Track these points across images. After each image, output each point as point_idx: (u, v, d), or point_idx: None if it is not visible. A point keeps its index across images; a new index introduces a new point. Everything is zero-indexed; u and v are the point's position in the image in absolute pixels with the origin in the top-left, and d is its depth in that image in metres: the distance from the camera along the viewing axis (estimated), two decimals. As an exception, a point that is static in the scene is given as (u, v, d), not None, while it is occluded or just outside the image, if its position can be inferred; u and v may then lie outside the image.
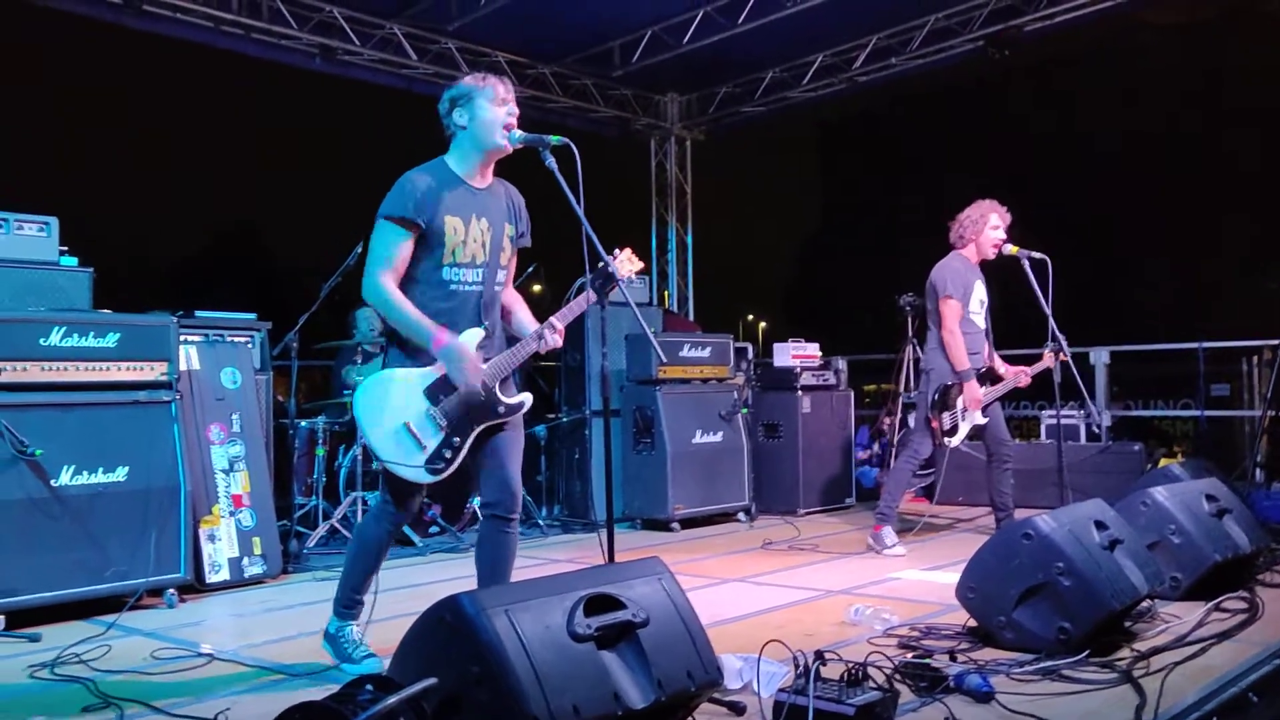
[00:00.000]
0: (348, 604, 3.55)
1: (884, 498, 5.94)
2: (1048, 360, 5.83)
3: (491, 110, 3.36)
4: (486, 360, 3.40)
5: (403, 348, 3.39)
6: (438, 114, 3.46)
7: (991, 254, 5.87)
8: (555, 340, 3.45)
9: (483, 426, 3.42)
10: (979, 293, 5.92)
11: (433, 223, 3.32)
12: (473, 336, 3.37)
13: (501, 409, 3.44)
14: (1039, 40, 8.69)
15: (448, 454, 3.36)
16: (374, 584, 3.59)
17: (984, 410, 5.82)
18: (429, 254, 3.34)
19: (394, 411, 3.33)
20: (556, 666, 2.33)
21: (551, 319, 3.46)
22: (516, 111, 3.41)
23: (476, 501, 6.63)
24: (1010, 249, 5.81)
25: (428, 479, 3.36)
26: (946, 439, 5.79)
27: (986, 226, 5.85)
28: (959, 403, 5.78)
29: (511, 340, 3.55)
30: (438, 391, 3.36)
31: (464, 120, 3.38)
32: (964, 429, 5.83)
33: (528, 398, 3.54)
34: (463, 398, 3.35)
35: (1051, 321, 5.56)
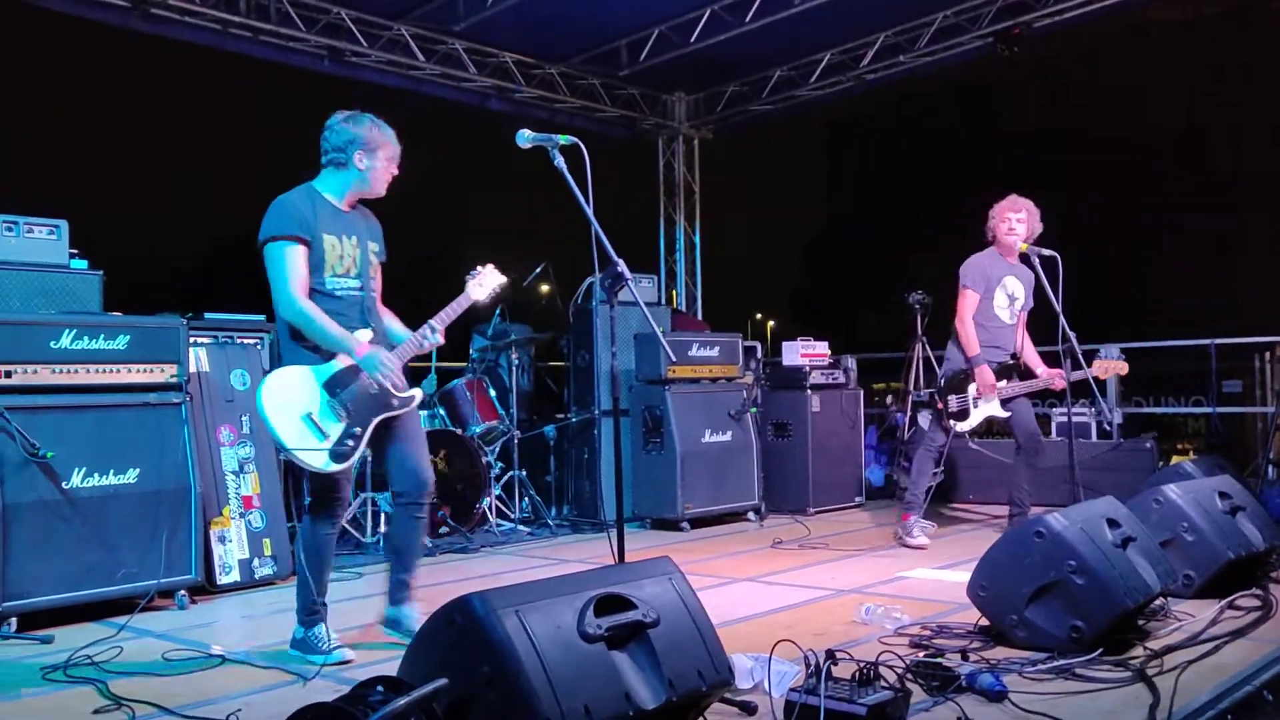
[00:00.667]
0: (311, 611, 3.73)
1: (910, 486, 6.11)
2: (1096, 370, 5.81)
3: (388, 168, 3.80)
4: None
5: (300, 345, 3.67)
6: (327, 139, 3.76)
7: (1013, 245, 5.88)
8: (438, 340, 3.84)
9: (380, 417, 3.73)
10: (1009, 287, 6.01)
11: (315, 238, 3.66)
12: (364, 335, 3.73)
13: (396, 401, 3.77)
14: (1048, 37, 8.65)
15: (350, 442, 3.65)
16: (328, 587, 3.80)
17: (1008, 404, 5.90)
18: (315, 268, 3.68)
19: (296, 404, 3.59)
20: (567, 667, 2.33)
21: (432, 320, 3.82)
22: (396, 171, 3.85)
23: (486, 502, 6.64)
24: (1020, 246, 5.81)
25: (333, 466, 3.61)
26: (953, 420, 5.93)
27: (998, 221, 6.00)
28: (970, 389, 5.89)
29: (387, 343, 3.87)
30: (336, 385, 3.66)
31: (364, 165, 3.75)
32: (976, 416, 5.91)
33: (418, 392, 3.88)
34: (360, 390, 3.67)
35: (1062, 319, 5.53)
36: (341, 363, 3.65)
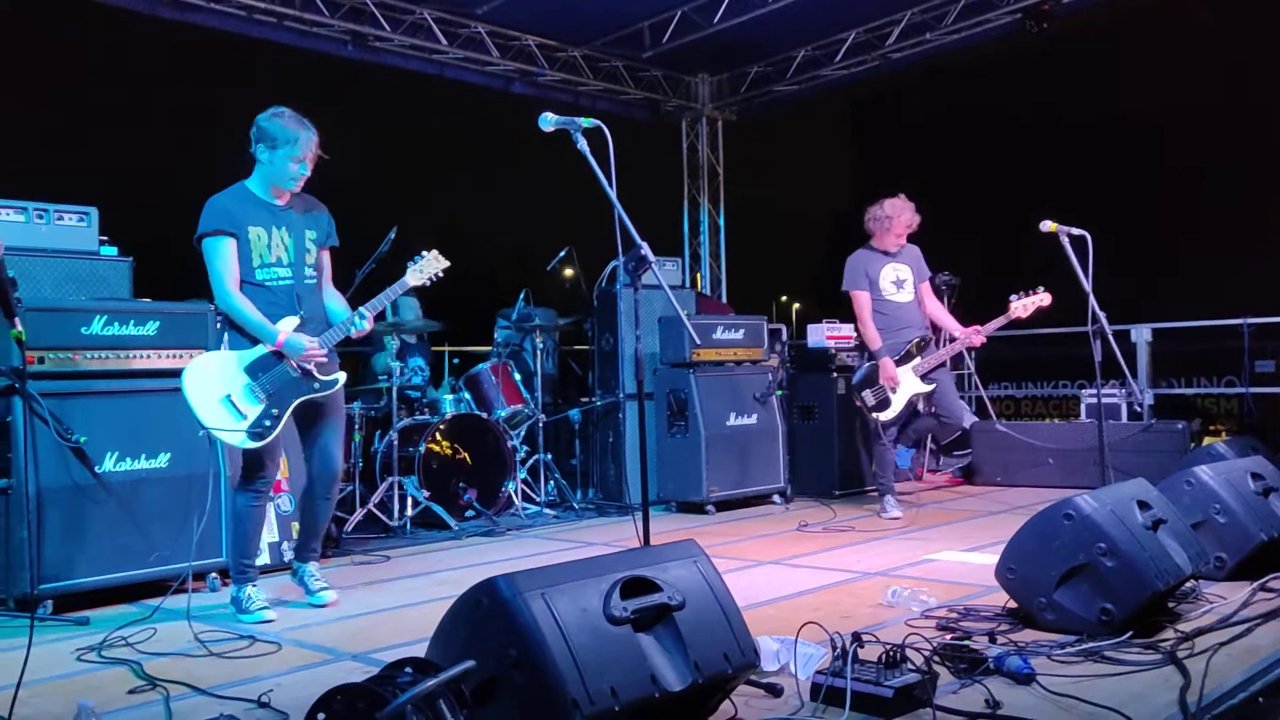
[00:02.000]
0: (240, 570, 4.11)
1: (878, 476, 6.55)
2: (1014, 310, 6.06)
3: (287, 164, 3.98)
4: None
5: (240, 333, 3.99)
6: (250, 134, 4.03)
7: (894, 243, 6.45)
8: (364, 327, 4.04)
9: (300, 400, 4.00)
10: (890, 274, 6.44)
11: (241, 232, 3.96)
12: (289, 322, 3.97)
13: (317, 385, 4.03)
14: (1077, 13, 8.54)
15: (267, 422, 3.93)
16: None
17: (927, 377, 6.27)
18: (244, 259, 3.98)
19: (218, 385, 3.90)
20: (593, 649, 2.33)
21: (361, 308, 4.04)
22: (308, 173, 4.04)
23: (511, 486, 6.67)
24: (1049, 225, 5.75)
25: (250, 444, 3.91)
26: (875, 414, 6.29)
27: (886, 223, 6.42)
28: (880, 380, 6.28)
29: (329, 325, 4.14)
30: (258, 369, 3.94)
31: (264, 158, 4.01)
32: (898, 402, 6.26)
33: (342, 376, 4.14)
34: (280, 374, 3.94)
35: (1092, 299, 5.48)
36: (265, 348, 3.94)
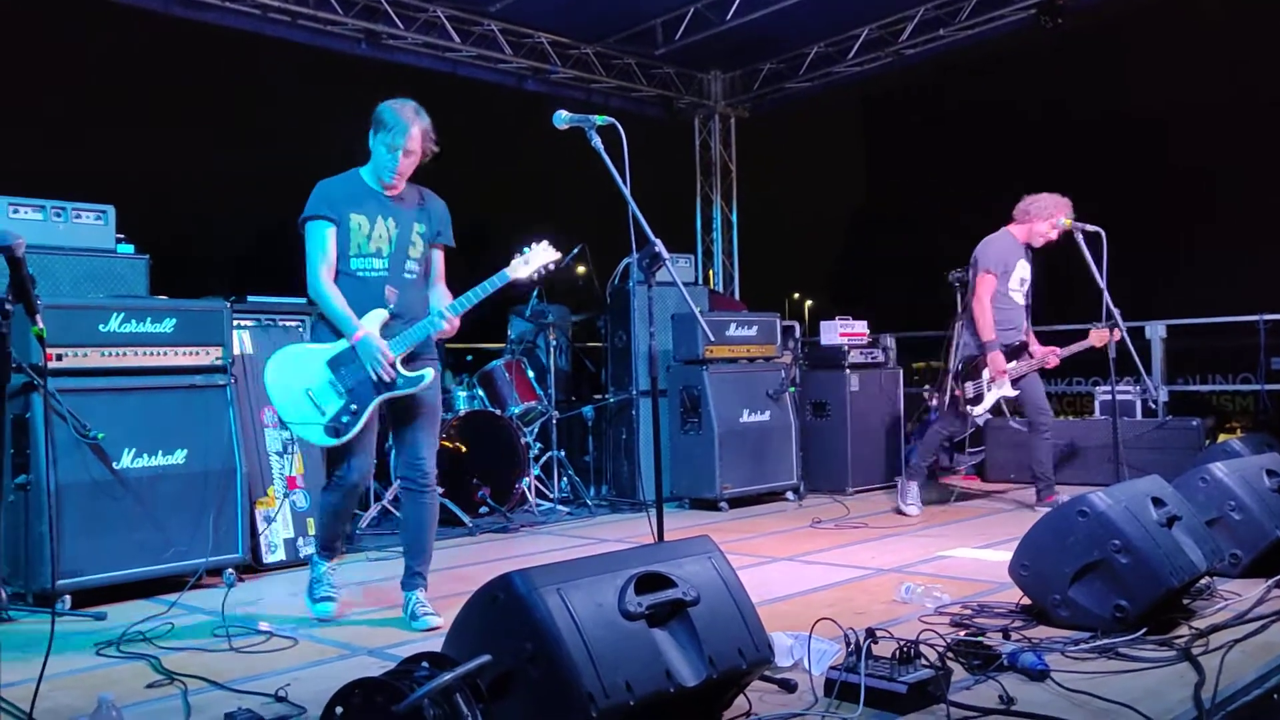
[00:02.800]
0: (326, 545, 4.09)
1: (915, 456, 6.30)
2: (1092, 339, 5.89)
3: (385, 153, 3.81)
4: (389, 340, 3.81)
5: (326, 327, 3.86)
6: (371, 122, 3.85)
7: (1039, 244, 6.09)
8: (443, 328, 3.84)
9: (383, 397, 3.81)
10: (1021, 271, 6.10)
11: (342, 219, 3.81)
12: (375, 317, 3.80)
13: (400, 381, 3.81)
14: (1090, 8, 8.50)
15: (345, 419, 3.77)
16: (342, 541, 4.20)
17: (1015, 384, 6.00)
18: (341, 248, 3.83)
19: (298, 379, 3.79)
20: (609, 644, 2.35)
21: (443, 308, 3.86)
22: (414, 166, 3.86)
23: (525, 483, 6.69)
24: (1065, 222, 5.75)
25: (327, 441, 3.78)
26: (970, 407, 6.03)
27: (1049, 219, 5.99)
28: (984, 373, 5.97)
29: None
30: (339, 364, 3.79)
31: (372, 146, 3.85)
32: (990, 399, 6.01)
33: (428, 374, 3.87)
34: (362, 370, 3.76)
35: (1106, 296, 5.47)
36: (347, 343, 3.79)
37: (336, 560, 4.15)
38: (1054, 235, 6.04)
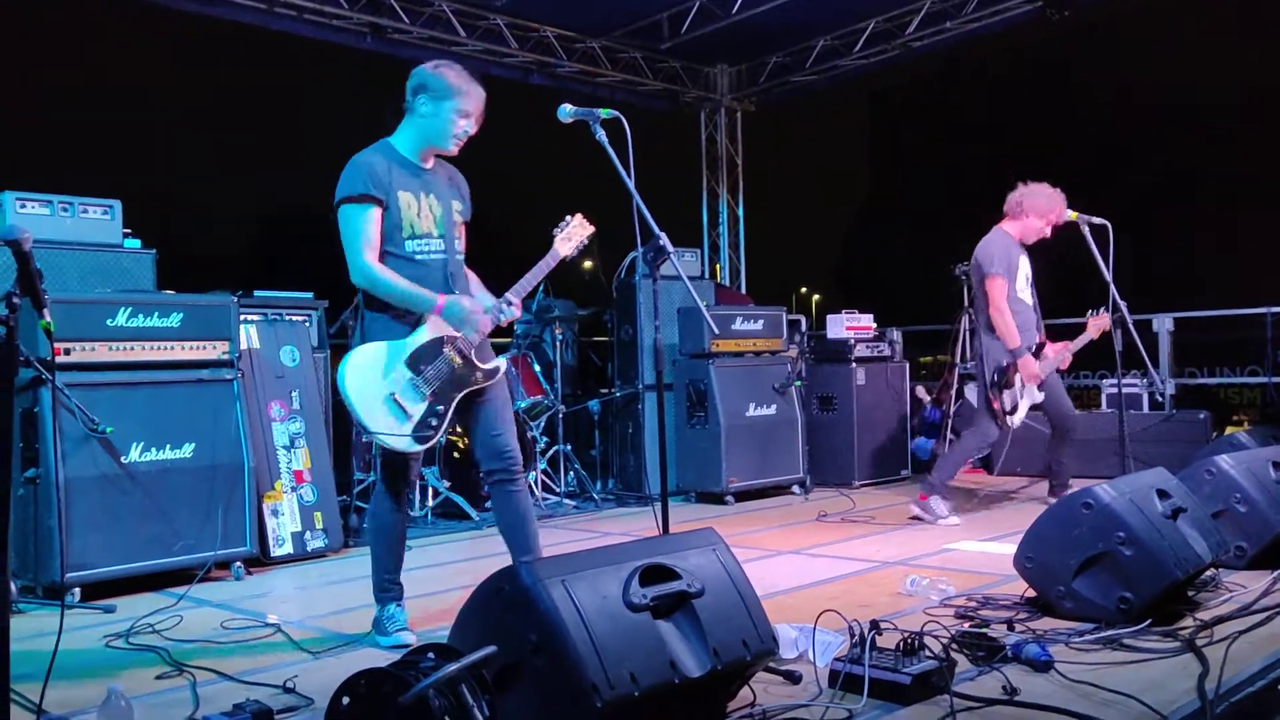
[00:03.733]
0: (383, 588, 3.62)
1: (938, 471, 5.89)
2: (1091, 331, 5.79)
3: (453, 120, 3.47)
4: None
5: (381, 314, 3.46)
6: (406, 87, 3.52)
7: (1033, 240, 5.84)
8: (513, 313, 3.59)
9: (463, 393, 3.51)
10: (1024, 269, 5.86)
11: (389, 198, 3.42)
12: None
13: (479, 374, 3.52)
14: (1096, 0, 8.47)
15: (434, 421, 3.45)
16: (403, 562, 3.68)
17: (1041, 385, 5.77)
18: (392, 229, 3.44)
19: (380, 383, 3.40)
20: (613, 635, 2.36)
21: (506, 294, 3.58)
22: (474, 130, 3.53)
23: (531, 476, 6.70)
24: (1070, 214, 5.71)
25: (416, 447, 3.44)
26: (1009, 418, 5.71)
27: (1049, 214, 5.76)
28: (1017, 380, 5.69)
29: None
30: (419, 360, 3.43)
31: (425, 111, 3.47)
32: (1024, 407, 5.76)
33: (502, 362, 3.62)
34: (443, 365, 3.45)
35: (1113, 288, 5.46)
36: (423, 335, 3.43)
37: (399, 606, 3.63)
38: (1049, 232, 5.84)
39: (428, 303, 3.41)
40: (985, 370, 5.76)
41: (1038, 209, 5.77)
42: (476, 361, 3.51)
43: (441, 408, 3.46)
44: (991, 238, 5.83)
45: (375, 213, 3.41)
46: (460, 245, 3.62)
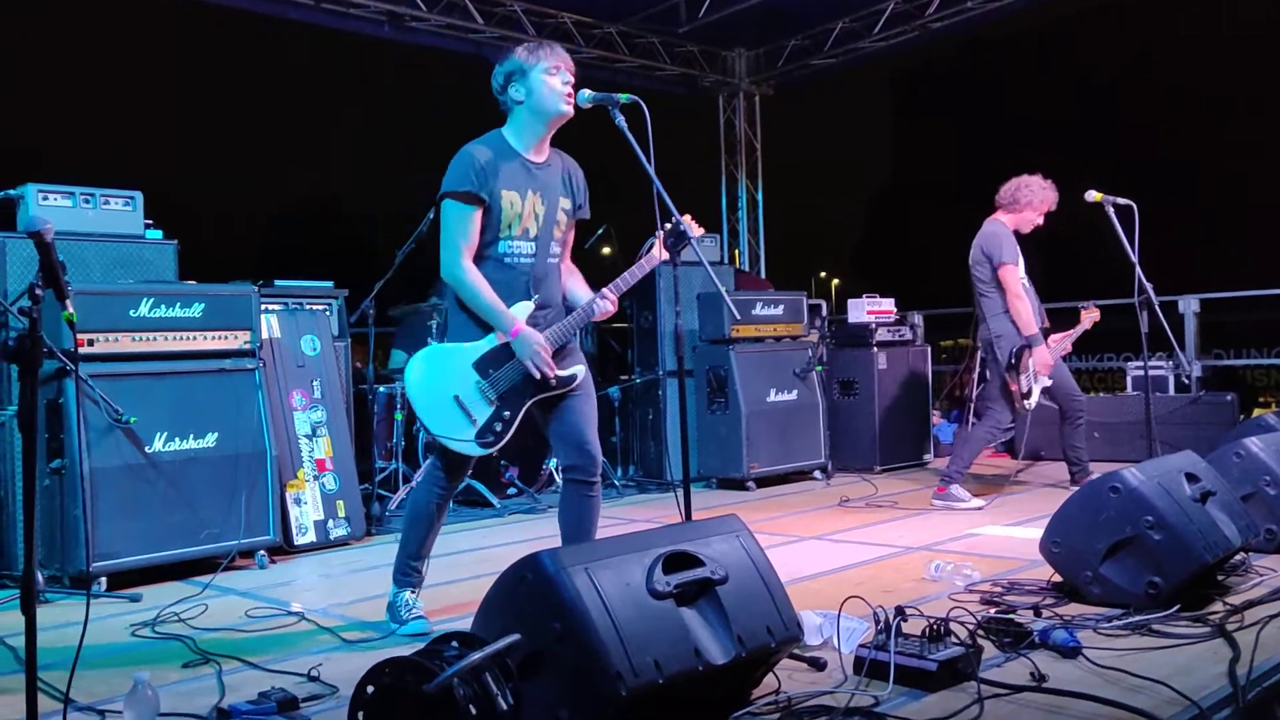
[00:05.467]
0: (404, 571, 3.59)
1: (955, 460, 5.92)
2: (1084, 323, 5.84)
3: (548, 81, 3.34)
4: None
5: (464, 313, 3.40)
6: (494, 91, 3.45)
7: (1026, 230, 5.94)
8: (607, 308, 3.48)
9: (536, 399, 3.43)
10: (1021, 260, 5.94)
11: (492, 196, 3.33)
12: (523, 309, 3.40)
13: (554, 382, 3.42)
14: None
15: (498, 427, 3.37)
16: (431, 551, 3.64)
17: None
18: (487, 228, 3.36)
19: (444, 385, 3.36)
20: (637, 623, 2.35)
21: (604, 289, 3.48)
22: (572, 78, 3.39)
23: (553, 463, 6.70)
24: (1094, 195, 5.66)
25: (478, 452, 3.38)
26: (1025, 402, 5.81)
27: (1043, 206, 5.90)
28: (1030, 366, 5.78)
29: (568, 311, 3.56)
30: (488, 365, 3.37)
31: (520, 95, 3.37)
32: (1036, 391, 5.85)
33: (580, 370, 3.52)
34: (513, 371, 3.37)
35: (1139, 270, 5.39)
36: (497, 339, 3.37)
37: (414, 593, 3.61)
38: (1040, 222, 5.94)
39: (505, 325, 3.34)
40: (999, 355, 5.83)
41: (1035, 201, 5.89)
42: (544, 375, 3.38)
43: (509, 413, 3.38)
44: (997, 229, 5.92)
45: (476, 214, 3.33)
46: (558, 248, 3.52)
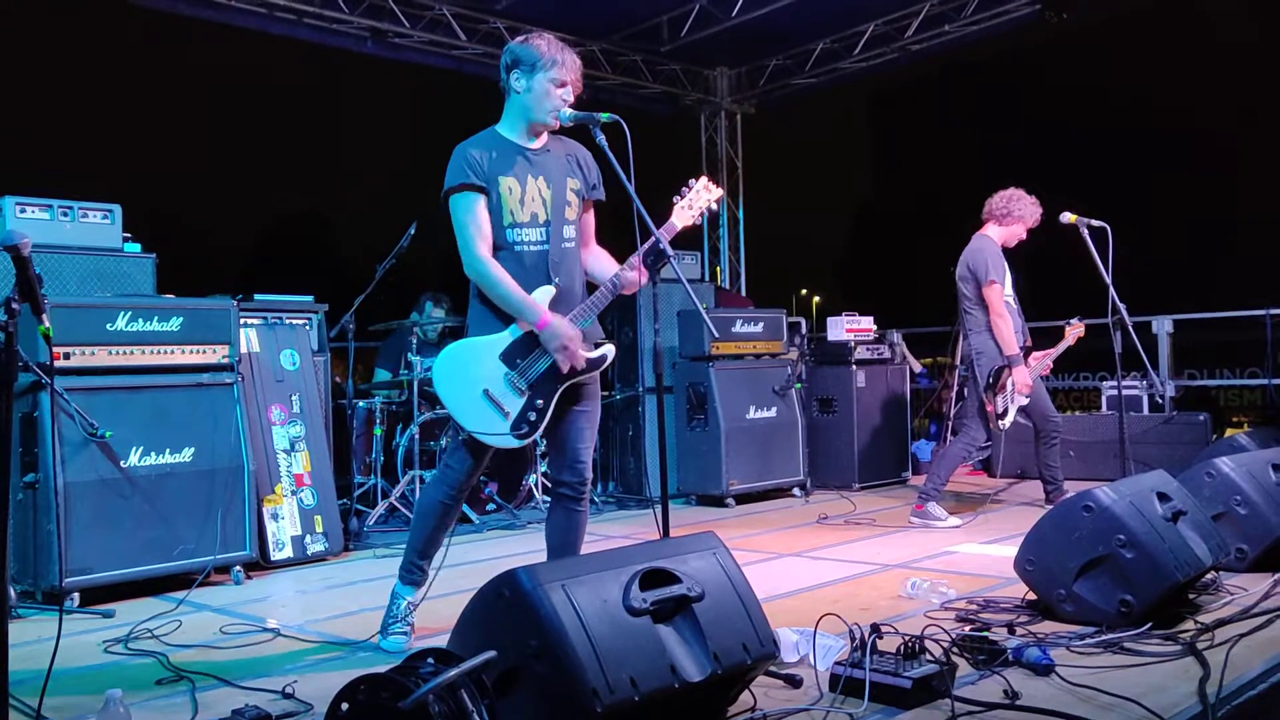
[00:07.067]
0: (409, 569, 3.57)
1: (931, 478, 5.94)
2: (1069, 339, 5.91)
3: (549, 90, 3.36)
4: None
5: (485, 306, 3.38)
6: (500, 66, 3.45)
7: (1013, 244, 5.98)
8: (633, 278, 3.40)
9: (567, 384, 3.39)
10: (1008, 278, 5.97)
11: (490, 186, 3.34)
12: (543, 295, 3.36)
13: (582, 364, 3.39)
14: (1096, 3, 8.48)
15: (532, 416, 3.35)
16: (436, 554, 3.60)
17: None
18: (494, 217, 3.36)
19: (473, 380, 3.33)
20: (613, 640, 2.35)
21: (630, 259, 3.40)
22: (573, 97, 3.42)
23: (532, 479, 6.70)
24: (1069, 217, 5.74)
25: (515, 444, 3.35)
26: (1001, 422, 5.85)
27: (1028, 219, 5.94)
28: (1009, 385, 5.81)
29: (592, 291, 3.52)
30: (514, 355, 3.35)
31: (520, 86, 3.38)
32: (1013, 411, 5.90)
33: (609, 350, 3.49)
34: (541, 358, 3.34)
35: (1112, 291, 5.45)
36: (521, 328, 3.34)
37: (421, 594, 3.60)
38: (1024, 237, 5.98)
39: (533, 317, 3.30)
40: (979, 373, 5.85)
41: (1025, 216, 5.93)
42: (574, 362, 3.36)
43: (541, 401, 3.35)
44: (983, 245, 5.94)
45: (480, 201, 3.32)
46: (572, 230, 3.46)
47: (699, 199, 3.50)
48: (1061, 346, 6.28)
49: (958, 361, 8.30)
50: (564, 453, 3.48)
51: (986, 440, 6.03)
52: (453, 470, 3.49)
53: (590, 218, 3.60)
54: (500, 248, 3.36)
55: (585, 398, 3.50)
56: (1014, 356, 5.76)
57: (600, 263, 3.58)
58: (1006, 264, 5.95)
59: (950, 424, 8.16)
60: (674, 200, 3.46)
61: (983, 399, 5.82)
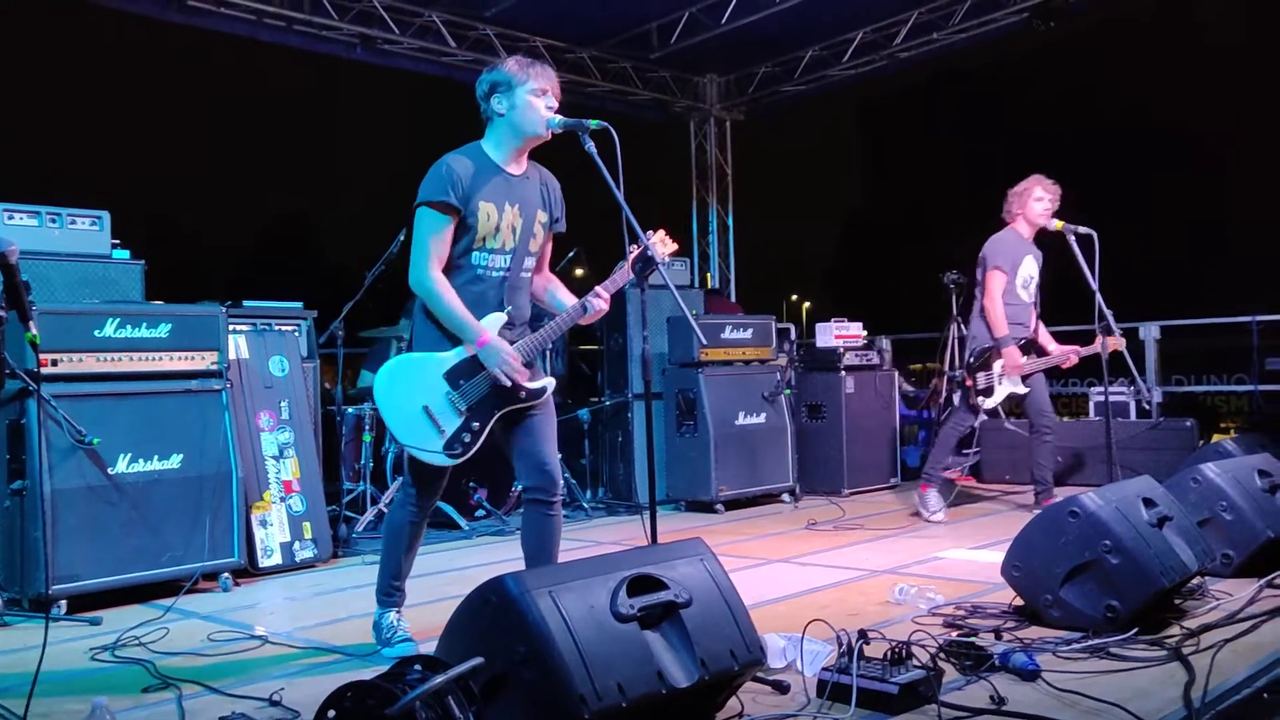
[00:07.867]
0: (386, 591, 3.59)
1: (931, 462, 6.22)
2: (1097, 346, 5.91)
3: (533, 102, 3.37)
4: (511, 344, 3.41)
5: (431, 323, 3.39)
6: (478, 99, 3.46)
7: (1041, 223, 6.04)
8: (601, 306, 3.46)
9: (504, 411, 3.42)
10: (1028, 268, 6.09)
11: (468, 207, 3.33)
12: (494, 321, 3.39)
13: (523, 394, 3.42)
14: (1084, 11, 8.54)
15: (466, 438, 3.36)
16: (410, 570, 3.62)
17: (1025, 380, 6.00)
18: (462, 239, 3.36)
19: (413, 395, 3.35)
20: (601, 646, 2.36)
21: (596, 288, 3.47)
22: (556, 103, 3.43)
23: (518, 486, 6.69)
24: (1056, 224, 5.80)
25: (446, 462, 3.36)
26: (981, 398, 6.00)
27: (1030, 199, 6.03)
28: (995, 366, 5.97)
29: (542, 320, 3.56)
30: (458, 376, 3.37)
31: (503, 108, 3.39)
32: (1000, 393, 6.00)
33: (550, 382, 3.53)
34: (482, 382, 3.36)
35: (1099, 298, 5.49)
36: (466, 350, 3.37)
37: (398, 614, 3.60)
38: (1048, 213, 5.96)
39: (471, 335, 3.33)
40: (967, 352, 6.11)
41: (1024, 194, 6.05)
42: (515, 383, 3.39)
43: (477, 424, 3.37)
44: (1002, 234, 6.13)
45: (450, 225, 3.33)
46: (531, 261, 3.52)
47: (659, 249, 3.48)
48: (1091, 349, 6.00)
49: (945, 367, 8.34)
50: (527, 457, 3.46)
51: (973, 419, 6.11)
52: (411, 489, 3.52)
53: (549, 247, 3.64)
54: (462, 268, 3.38)
55: (544, 407, 3.50)
56: (1003, 338, 5.93)
57: (556, 292, 3.64)
58: (1029, 259, 6.07)
59: (939, 429, 8.17)
60: (630, 248, 3.44)
61: (964, 374, 6.06)
